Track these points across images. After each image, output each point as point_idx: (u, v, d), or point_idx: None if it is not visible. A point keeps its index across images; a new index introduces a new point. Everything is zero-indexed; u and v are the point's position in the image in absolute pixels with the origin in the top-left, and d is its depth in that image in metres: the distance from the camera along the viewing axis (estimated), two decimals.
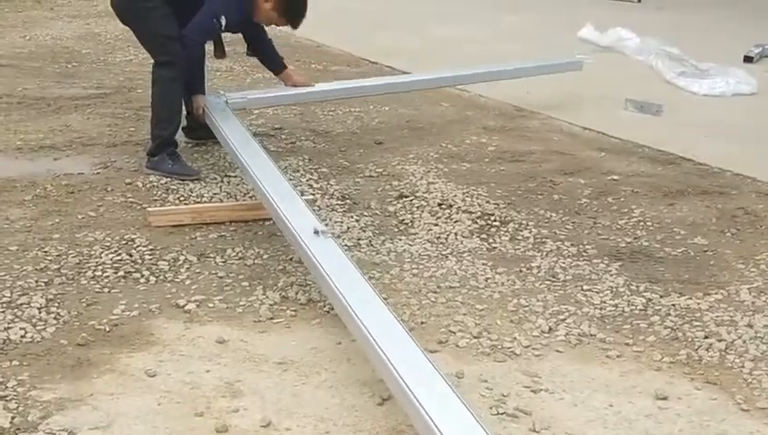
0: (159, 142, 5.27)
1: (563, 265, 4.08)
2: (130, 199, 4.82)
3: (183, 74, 5.30)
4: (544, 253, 4.22)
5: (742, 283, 3.93)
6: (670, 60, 7.96)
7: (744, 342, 3.42)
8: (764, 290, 3.86)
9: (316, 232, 3.71)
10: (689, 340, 3.44)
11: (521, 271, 4.02)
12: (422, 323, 3.55)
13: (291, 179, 5.11)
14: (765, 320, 3.59)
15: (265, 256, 4.14)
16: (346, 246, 4.26)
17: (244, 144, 4.83)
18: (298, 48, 9.19)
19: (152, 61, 5.40)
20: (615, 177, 5.28)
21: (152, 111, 5.34)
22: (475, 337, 3.43)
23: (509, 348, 3.36)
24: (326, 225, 4.46)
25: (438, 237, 4.37)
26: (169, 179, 5.09)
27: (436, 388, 2.68)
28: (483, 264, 4.08)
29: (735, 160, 5.57)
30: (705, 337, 3.46)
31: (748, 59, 8.44)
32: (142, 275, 3.94)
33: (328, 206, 4.78)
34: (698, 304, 3.73)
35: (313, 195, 4.87)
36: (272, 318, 3.59)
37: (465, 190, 4.99)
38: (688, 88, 7.46)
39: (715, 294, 3.83)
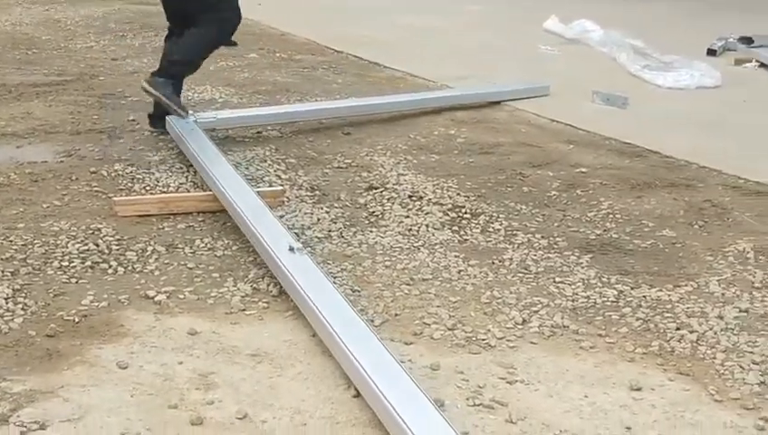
0: (174, 72, 5.45)
1: (535, 258, 4.11)
2: (96, 188, 4.78)
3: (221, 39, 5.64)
4: (516, 245, 4.24)
5: (711, 275, 3.98)
6: (634, 53, 8.02)
7: (716, 333, 3.46)
8: (733, 282, 3.91)
9: (291, 249, 3.73)
10: (661, 331, 3.48)
11: (493, 263, 4.04)
12: (396, 315, 3.56)
13: (258, 170, 5.16)
14: (735, 312, 3.64)
15: (235, 248, 4.13)
16: (317, 237, 4.27)
17: (216, 163, 4.80)
18: (262, 36, 9.17)
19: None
20: (583, 169, 5.32)
21: (181, 47, 5.50)
22: (449, 329, 3.45)
23: (483, 340, 3.38)
24: (295, 216, 4.50)
25: (410, 229, 4.38)
26: (134, 169, 5.06)
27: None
28: (455, 256, 4.10)
29: (701, 153, 5.62)
30: (677, 328, 3.50)
31: (711, 52, 8.52)
32: (110, 266, 3.91)
33: (297, 197, 4.78)
34: (669, 295, 3.77)
35: (282, 185, 4.88)
36: (244, 310, 3.58)
37: (435, 182, 5.00)
38: (653, 81, 7.52)
39: (685, 285, 3.87)
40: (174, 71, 5.52)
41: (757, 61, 8.13)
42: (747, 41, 8.45)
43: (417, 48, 8.65)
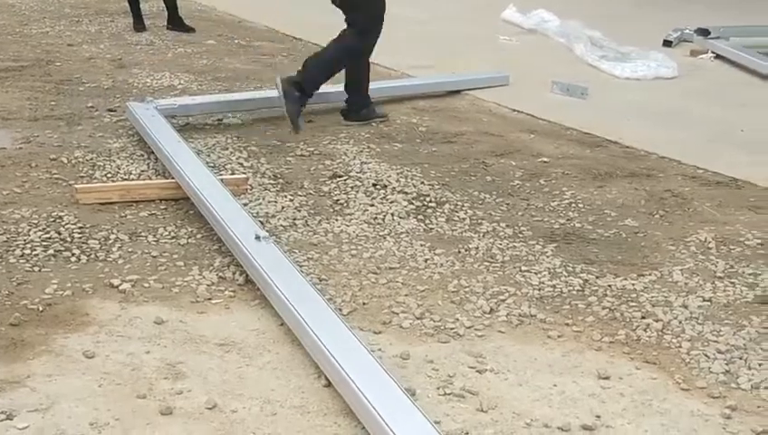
0: (309, 91, 5.67)
1: (501, 247, 4.11)
2: (56, 176, 4.72)
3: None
4: (481, 234, 4.25)
5: (674, 264, 4.01)
6: (591, 43, 8.07)
7: (680, 322, 3.50)
8: (696, 271, 3.95)
9: (257, 238, 3.71)
10: (627, 320, 3.51)
11: (459, 252, 4.05)
12: (364, 304, 3.55)
13: (220, 157, 5.12)
14: (699, 301, 3.67)
15: (199, 236, 4.10)
16: (281, 226, 4.25)
17: (178, 151, 4.75)
18: (219, 22, 9.10)
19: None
20: (545, 159, 5.34)
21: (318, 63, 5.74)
22: (417, 318, 3.45)
23: (452, 329, 3.38)
24: (258, 204, 4.47)
25: (375, 218, 4.37)
26: (95, 156, 5.01)
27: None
28: (421, 244, 4.09)
29: (660, 143, 5.67)
30: (643, 317, 3.52)
31: (667, 43, 8.59)
32: (73, 254, 3.86)
33: (260, 185, 4.74)
34: (633, 284, 3.80)
35: (245, 173, 4.84)
36: (210, 299, 3.55)
37: (398, 171, 4.99)
38: (611, 71, 7.57)
39: (649, 275, 3.90)
40: (310, 90, 5.69)
41: (713, 52, 8.21)
42: (704, 32, 8.52)
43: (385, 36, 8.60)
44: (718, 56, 8.13)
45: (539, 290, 3.72)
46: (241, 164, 5.04)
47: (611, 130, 5.94)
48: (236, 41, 8.31)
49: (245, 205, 4.31)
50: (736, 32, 8.59)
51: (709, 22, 8.85)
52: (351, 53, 5.85)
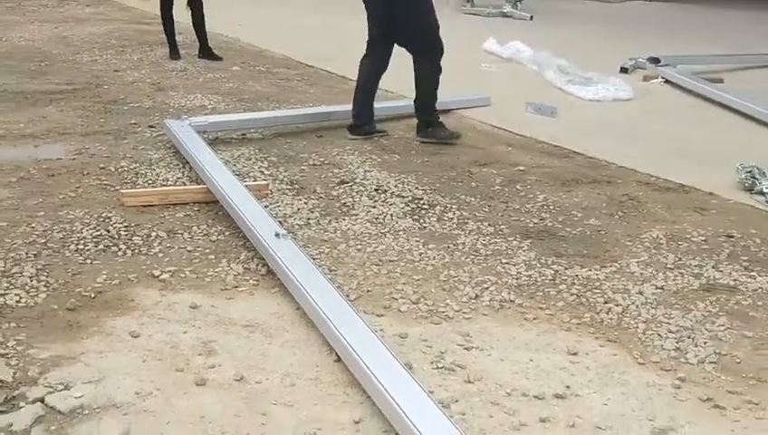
0: (431, 120, 5.76)
1: (484, 242, 4.10)
2: (105, 182, 4.70)
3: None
4: (467, 232, 4.23)
5: (631, 257, 4.00)
6: (560, 70, 8.05)
7: (637, 307, 3.49)
8: (650, 263, 3.94)
9: (277, 235, 3.70)
10: (592, 305, 3.50)
11: (448, 247, 4.03)
12: (368, 291, 3.53)
13: (244, 166, 5.10)
14: (653, 289, 3.66)
15: (227, 233, 4.08)
16: (297, 224, 4.23)
17: (210, 162, 4.73)
18: (243, 52, 9.05)
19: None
20: (521, 168, 5.32)
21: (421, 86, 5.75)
22: (414, 303, 3.43)
23: (443, 312, 3.37)
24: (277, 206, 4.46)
25: (377, 218, 4.35)
26: (138, 165, 4.99)
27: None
28: (416, 241, 4.08)
29: (618, 155, 5.65)
30: (605, 302, 3.51)
31: (624, 69, 8.56)
32: (119, 249, 3.84)
33: (279, 190, 4.72)
34: (597, 274, 3.79)
35: (265, 180, 4.83)
36: (237, 287, 3.54)
37: (396, 178, 4.97)
38: (576, 93, 7.54)
39: (610, 266, 3.89)
40: (431, 118, 5.78)
41: (662, 78, 8.19)
42: (655, 61, 8.51)
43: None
44: (667, 81, 8.11)
45: (517, 279, 3.71)
46: (262, 172, 5.02)
47: (577, 143, 5.92)
48: (258, 67, 8.27)
49: (266, 207, 4.29)
50: (682, 60, 8.58)
51: (659, 51, 8.84)
52: (438, 71, 5.82)
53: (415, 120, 5.98)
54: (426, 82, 5.78)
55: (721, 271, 3.86)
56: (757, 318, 3.42)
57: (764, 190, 4.87)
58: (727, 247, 4.14)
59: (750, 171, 5.01)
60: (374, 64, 5.86)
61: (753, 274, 3.84)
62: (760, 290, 3.67)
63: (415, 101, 5.89)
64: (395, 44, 5.81)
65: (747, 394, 2.87)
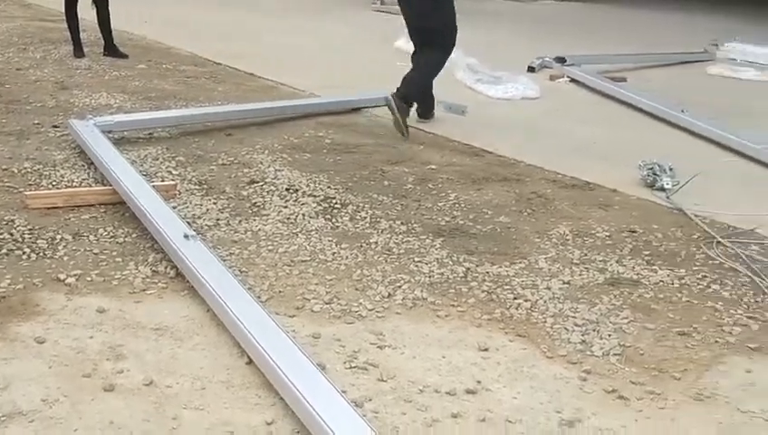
0: (413, 96, 6.07)
1: (396, 241, 4.13)
2: (7, 184, 4.57)
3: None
4: (380, 230, 4.26)
5: (539, 253, 4.09)
6: (469, 68, 8.15)
7: (545, 301, 3.57)
8: (557, 259, 4.03)
9: (186, 236, 3.66)
10: (502, 301, 3.56)
11: (361, 246, 4.05)
12: (280, 292, 3.53)
13: (152, 166, 5.02)
14: (560, 284, 3.75)
15: (135, 235, 4.01)
16: (206, 225, 4.19)
17: (115, 162, 4.65)
18: (149, 49, 8.91)
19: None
20: (433, 166, 5.38)
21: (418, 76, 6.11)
22: (326, 303, 3.44)
23: (356, 311, 3.39)
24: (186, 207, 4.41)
25: (288, 218, 4.35)
26: (41, 166, 4.87)
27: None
28: (329, 240, 4.09)
29: (526, 153, 5.75)
30: (515, 298, 3.58)
31: (531, 69, 8.72)
32: (24, 253, 3.75)
33: (187, 190, 4.67)
34: (507, 271, 3.86)
35: (173, 180, 4.77)
36: (145, 290, 3.49)
37: (308, 177, 4.97)
38: (485, 92, 7.66)
39: (519, 262, 3.97)
40: (413, 96, 6.10)
41: (568, 77, 8.38)
42: (561, 60, 8.70)
43: (287, 62, 8.57)
44: (573, 80, 8.31)
45: (429, 277, 3.76)
46: (170, 172, 4.95)
47: (487, 141, 6.01)
48: (165, 65, 8.15)
49: (175, 208, 4.24)
50: (587, 59, 8.80)
51: (569, 51, 9.04)
52: (440, 67, 6.25)
53: (326, 119, 5.98)
54: (423, 71, 6.18)
55: (624, 265, 3.98)
56: (658, 310, 3.54)
57: (665, 186, 5.04)
58: (630, 242, 4.27)
59: (651, 168, 5.17)
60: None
61: (654, 267, 3.97)
62: (661, 283, 3.80)
63: (404, 87, 6.08)
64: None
65: (649, 385, 2.97)
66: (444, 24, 6.12)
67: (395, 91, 6.03)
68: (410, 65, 6.27)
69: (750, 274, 3.90)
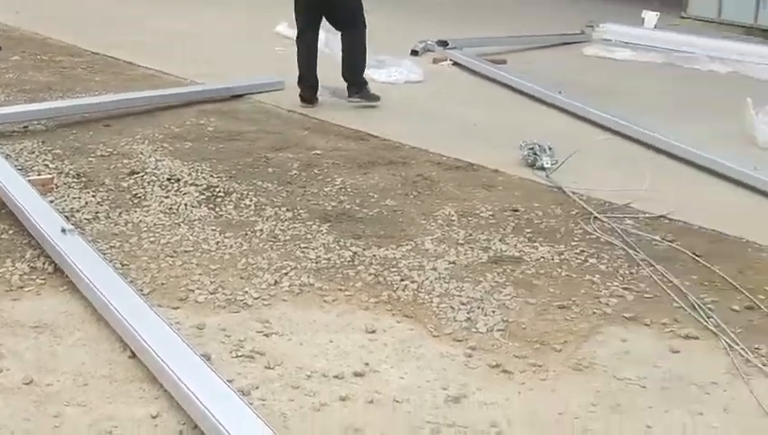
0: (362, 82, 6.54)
1: (282, 228, 4.12)
2: None
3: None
4: (265, 218, 4.24)
5: (425, 235, 4.14)
6: None
7: (431, 282, 3.63)
8: (443, 240, 4.10)
9: (63, 230, 3.57)
10: (389, 283, 3.60)
11: (246, 234, 4.03)
12: (162, 284, 3.48)
13: (27, 160, 4.87)
14: (446, 264, 3.82)
15: (11, 232, 3.90)
16: (85, 219, 4.09)
17: None
18: (23, 40, 8.57)
19: None
20: (318, 151, 5.38)
21: (358, 62, 6.53)
22: (211, 293, 3.42)
23: (242, 300, 3.38)
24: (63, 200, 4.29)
25: (170, 208, 4.28)
26: None
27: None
28: (212, 229, 4.05)
29: (411, 136, 5.79)
30: (401, 280, 3.63)
31: (414, 52, 8.74)
32: None
33: (65, 183, 4.54)
34: (394, 253, 3.90)
35: (50, 174, 4.63)
36: (23, 287, 3.40)
37: (190, 166, 4.90)
38: (370, 76, 7.65)
39: (406, 245, 4.01)
40: (363, 81, 6.56)
41: (451, 60, 8.48)
42: (443, 44, 8.78)
43: (167, 49, 8.39)
44: (455, 63, 8.41)
45: (316, 263, 3.77)
46: (47, 165, 4.81)
47: (372, 126, 6.02)
48: (40, 57, 7.86)
49: (52, 202, 4.13)
50: (469, 43, 8.91)
51: (448, 35, 9.11)
52: (365, 40, 6.54)
53: (207, 107, 5.91)
54: (360, 50, 6.51)
55: (507, 243, 4.08)
56: (540, 286, 3.65)
57: (545, 166, 5.17)
58: (513, 221, 4.38)
59: (532, 148, 5.30)
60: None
61: (535, 244, 4.08)
62: (542, 259, 3.92)
63: (346, 70, 6.53)
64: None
65: (532, 358, 3.07)
66: None
67: (348, 94, 6.50)
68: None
69: (625, 247, 4.06)
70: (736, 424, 2.75)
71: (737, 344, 3.19)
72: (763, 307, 3.49)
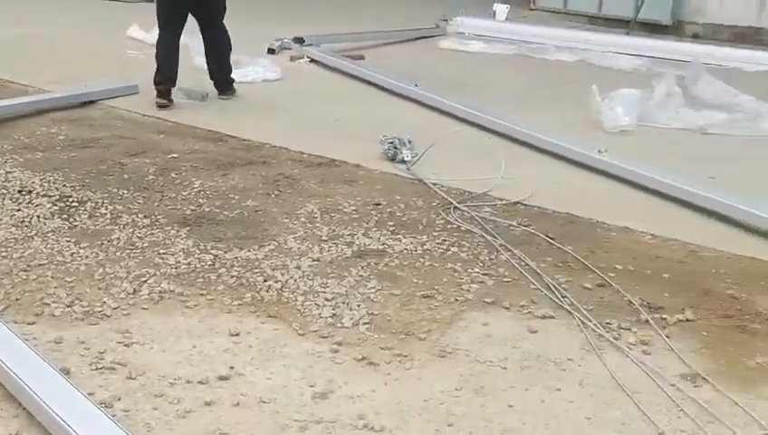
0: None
1: (140, 235, 4.04)
2: None
3: None
4: (122, 226, 4.15)
5: (288, 233, 4.15)
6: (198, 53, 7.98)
7: (296, 280, 3.63)
8: (306, 238, 4.11)
9: None
10: (252, 284, 3.59)
11: (102, 244, 3.93)
12: (17, 299, 3.36)
13: None
14: (309, 261, 3.83)
15: None
16: None
17: None
18: None
19: None
20: (175, 155, 5.29)
21: (225, 59, 6.78)
22: (68, 306, 3.32)
23: (100, 311, 3.30)
24: None
25: (22, 221, 4.13)
26: None
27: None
28: (67, 241, 3.93)
29: (271, 135, 5.77)
30: (265, 280, 3.62)
31: (271, 51, 8.71)
32: None
33: None
34: (256, 254, 3.89)
35: None
36: None
37: (42, 177, 4.73)
38: None
39: (269, 245, 4.00)
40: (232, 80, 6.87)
41: (308, 57, 8.49)
42: (299, 41, 8.79)
43: (12, 56, 8.06)
44: (313, 60, 8.43)
45: (176, 268, 3.71)
46: None
47: (231, 126, 5.97)
48: None
49: None
50: (326, 39, 8.95)
51: (304, 31, 9.11)
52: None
53: (58, 115, 5.73)
54: (228, 47, 6.74)
55: (370, 237, 4.13)
56: (403, 277, 3.72)
57: (405, 159, 5.26)
58: (375, 215, 4.43)
59: (392, 142, 5.38)
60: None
61: (398, 236, 4.15)
62: (405, 251, 3.99)
63: (216, 68, 6.74)
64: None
65: (397, 348, 3.12)
66: None
67: (220, 91, 6.75)
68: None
69: (484, 234, 4.18)
70: (591, 397, 2.88)
71: (590, 321, 3.34)
72: (613, 284, 3.67)
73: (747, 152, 5.74)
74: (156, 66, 6.42)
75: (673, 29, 10.48)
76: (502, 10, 10.60)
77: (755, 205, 4.37)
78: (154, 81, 6.41)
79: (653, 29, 10.41)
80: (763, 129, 6.21)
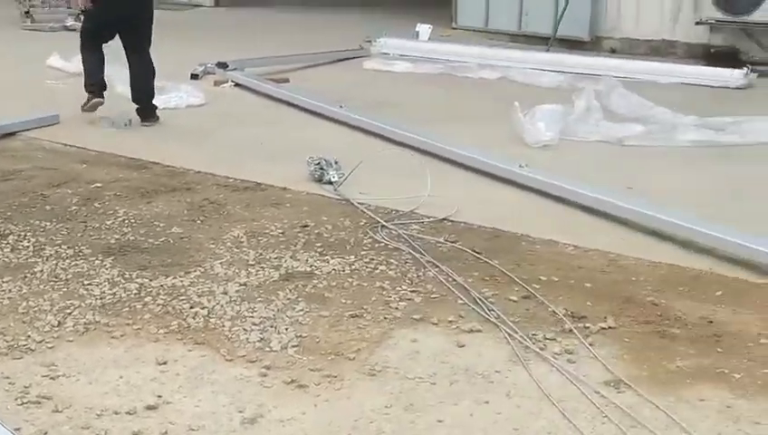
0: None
1: (64, 267, 3.99)
2: None
3: None
4: (45, 258, 4.09)
5: (215, 259, 4.14)
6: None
7: (222, 306, 3.63)
8: (232, 262, 4.10)
9: None
10: (178, 312, 3.57)
11: (25, 277, 3.87)
12: None
13: None
14: (236, 286, 3.83)
15: None
16: None
17: None
18: None
19: None
20: (98, 184, 5.23)
21: (149, 83, 6.78)
22: None
23: (25, 345, 3.26)
24: None
25: None
26: None
27: None
28: None
29: (195, 161, 5.74)
30: (191, 307, 3.61)
31: (195, 76, 8.65)
32: None
33: None
34: (182, 281, 3.87)
35: None
36: None
37: None
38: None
39: (195, 271, 3.99)
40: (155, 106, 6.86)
41: (233, 81, 8.47)
42: (223, 65, 8.76)
43: None
44: (237, 84, 8.41)
45: (101, 299, 3.68)
46: None
47: (155, 153, 5.93)
48: None
49: None
50: (250, 63, 8.94)
51: (228, 56, 9.08)
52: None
53: None
54: (152, 73, 6.79)
55: (298, 259, 4.15)
56: (332, 298, 3.74)
57: (332, 180, 5.29)
58: (303, 237, 4.45)
59: (318, 163, 5.40)
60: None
61: (326, 258, 4.17)
62: (333, 272, 4.01)
63: (141, 94, 6.77)
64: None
65: (326, 369, 3.14)
66: (150, 13, 6.75)
67: (143, 118, 6.74)
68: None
69: (412, 251, 4.23)
70: (518, 408, 2.94)
71: (516, 333, 3.41)
72: (538, 295, 3.75)
73: (663, 163, 5.92)
74: (84, 75, 6.64)
75: (591, 45, 10.74)
76: (425, 30, 10.72)
77: (673, 213, 4.51)
78: (85, 86, 6.61)
79: (572, 45, 10.65)
80: (678, 139, 6.41)
